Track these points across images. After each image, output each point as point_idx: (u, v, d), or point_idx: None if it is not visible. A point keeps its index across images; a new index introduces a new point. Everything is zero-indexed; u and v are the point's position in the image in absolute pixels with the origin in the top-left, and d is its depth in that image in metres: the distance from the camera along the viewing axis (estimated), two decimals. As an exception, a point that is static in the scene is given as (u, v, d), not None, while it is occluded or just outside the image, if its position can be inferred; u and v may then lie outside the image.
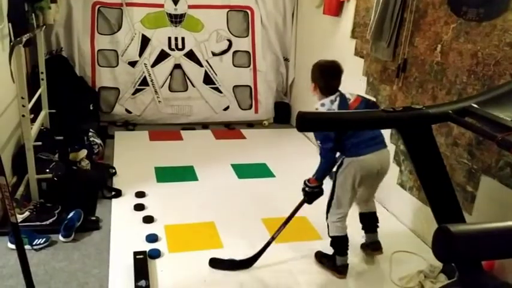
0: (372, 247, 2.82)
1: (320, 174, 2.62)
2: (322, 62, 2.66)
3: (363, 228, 2.86)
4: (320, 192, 2.64)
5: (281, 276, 2.66)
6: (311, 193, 2.63)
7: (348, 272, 2.67)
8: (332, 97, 2.54)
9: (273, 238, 2.72)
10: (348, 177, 2.55)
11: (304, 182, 2.67)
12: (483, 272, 1.59)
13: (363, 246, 2.88)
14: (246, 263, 2.69)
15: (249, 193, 3.66)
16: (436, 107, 1.65)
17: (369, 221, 2.84)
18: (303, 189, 2.67)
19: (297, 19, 5.36)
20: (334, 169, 2.64)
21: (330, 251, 2.72)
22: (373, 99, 2.81)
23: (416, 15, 3.12)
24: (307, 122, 1.62)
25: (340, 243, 2.67)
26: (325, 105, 2.53)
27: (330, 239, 2.70)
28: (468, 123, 1.57)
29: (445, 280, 2.55)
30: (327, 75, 2.58)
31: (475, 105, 1.60)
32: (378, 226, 2.84)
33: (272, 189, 3.78)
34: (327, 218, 2.68)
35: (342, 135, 2.52)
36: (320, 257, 2.80)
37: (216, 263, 2.68)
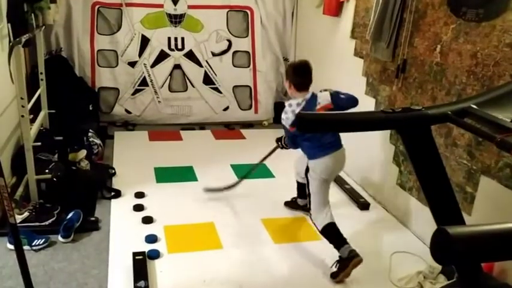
0: (306, 209, 3.07)
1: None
2: (295, 62, 3.01)
3: (297, 194, 3.42)
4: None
5: (281, 276, 2.66)
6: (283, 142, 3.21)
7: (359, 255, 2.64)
8: (299, 100, 2.76)
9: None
10: (315, 179, 2.81)
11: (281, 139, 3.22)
12: (482, 273, 1.59)
13: (291, 205, 3.46)
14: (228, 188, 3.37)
15: (248, 193, 3.65)
16: (435, 108, 1.65)
17: (303, 189, 3.12)
18: (278, 142, 3.28)
19: (297, 19, 5.36)
20: (302, 177, 3.04)
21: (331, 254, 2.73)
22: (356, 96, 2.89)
23: (415, 15, 3.12)
24: (307, 123, 1.62)
25: (332, 230, 2.74)
26: (292, 105, 2.77)
27: (324, 238, 2.76)
28: (467, 124, 1.57)
29: (445, 281, 2.55)
30: (298, 74, 2.82)
31: (475, 106, 1.59)
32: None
33: (272, 189, 3.78)
34: (311, 217, 2.86)
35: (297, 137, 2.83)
36: (335, 265, 2.70)
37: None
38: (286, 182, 3.88)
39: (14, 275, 2.43)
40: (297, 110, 2.72)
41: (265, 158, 3.49)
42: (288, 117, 2.74)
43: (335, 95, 2.78)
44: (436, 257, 0.92)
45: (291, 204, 3.47)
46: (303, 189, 3.16)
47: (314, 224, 2.84)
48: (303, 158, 2.99)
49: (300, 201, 3.37)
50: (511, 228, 0.93)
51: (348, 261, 2.61)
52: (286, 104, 2.82)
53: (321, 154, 2.77)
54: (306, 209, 3.04)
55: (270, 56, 5.49)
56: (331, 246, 2.75)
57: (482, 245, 0.91)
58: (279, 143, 3.27)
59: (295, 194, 3.49)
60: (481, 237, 0.92)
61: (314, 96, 2.77)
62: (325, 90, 2.83)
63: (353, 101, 2.81)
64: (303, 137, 2.81)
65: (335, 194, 2.66)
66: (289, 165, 4.19)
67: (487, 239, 0.92)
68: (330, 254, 2.78)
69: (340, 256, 2.65)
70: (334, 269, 2.66)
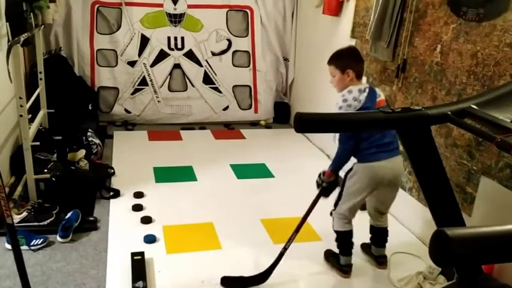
0: (378, 261, 2.78)
1: (336, 165, 2.54)
2: (348, 47, 2.62)
3: (371, 239, 2.82)
4: (336, 183, 2.55)
5: (280, 276, 2.64)
6: (327, 187, 2.54)
7: (352, 272, 2.66)
8: (361, 86, 2.47)
9: (285, 249, 2.56)
10: (356, 183, 2.52)
11: (319, 175, 2.58)
12: (482, 274, 1.58)
13: (365, 249, 2.88)
14: (259, 279, 2.52)
15: (248, 193, 3.64)
16: (435, 108, 1.64)
17: (379, 236, 2.78)
18: (318, 184, 2.57)
19: (297, 19, 5.35)
20: (343, 174, 2.59)
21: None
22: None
23: (416, 15, 3.11)
24: (305, 123, 1.61)
25: (344, 239, 2.64)
26: (353, 92, 2.45)
27: (334, 235, 2.68)
28: (467, 124, 1.56)
29: (444, 282, 2.54)
30: (359, 59, 2.56)
31: (475, 106, 1.59)
32: (387, 241, 2.78)
33: (271, 189, 3.77)
34: (331, 213, 2.64)
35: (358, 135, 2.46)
36: (328, 255, 2.79)
37: (228, 282, 2.51)
38: (286, 182, 3.88)
39: (12, 275, 2.42)
40: (361, 97, 2.42)
41: (308, 213, 2.63)
42: (349, 104, 2.43)
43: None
44: (435, 259, 0.91)
45: (365, 248, 2.90)
46: (380, 235, 2.76)
47: (332, 219, 2.65)
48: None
49: (375, 250, 2.80)
50: (510, 230, 0.92)
51: (339, 267, 2.67)
52: (344, 92, 2.46)
53: (376, 156, 2.44)
54: (380, 261, 2.76)
55: (269, 55, 5.48)
56: (331, 246, 2.75)
57: (481, 248, 0.90)
58: (320, 186, 2.58)
59: (295, 194, 3.47)
60: (481, 240, 0.91)
61: (371, 87, 2.53)
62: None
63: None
64: (360, 140, 2.46)
65: (334, 193, 2.64)
66: (290, 165, 4.20)
67: (486, 242, 0.91)
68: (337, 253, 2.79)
69: (338, 257, 2.67)
70: (332, 253, 2.71)
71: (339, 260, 2.68)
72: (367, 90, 2.47)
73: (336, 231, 2.66)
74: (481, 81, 2.57)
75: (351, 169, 2.57)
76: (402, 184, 3.31)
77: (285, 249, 2.56)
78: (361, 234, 2.76)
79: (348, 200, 2.57)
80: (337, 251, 2.71)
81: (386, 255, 2.80)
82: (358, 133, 2.43)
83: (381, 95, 2.56)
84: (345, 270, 2.66)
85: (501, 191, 2.43)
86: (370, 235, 2.81)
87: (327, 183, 2.54)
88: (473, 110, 1.57)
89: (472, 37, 2.64)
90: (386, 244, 2.78)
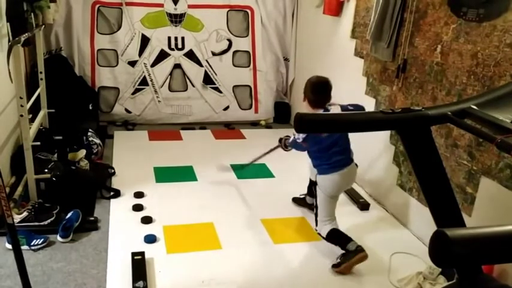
0: (312, 208, 3.06)
1: (293, 146, 2.98)
2: (313, 78, 2.87)
3: (308, 190, 3.33)
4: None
5: (280, 277, 2.65)
6: (284, 146, 3.12)
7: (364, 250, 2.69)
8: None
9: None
10: (322, 193, 2.80)
11: (285, 138, 3.10)
12: (482, 274, 1.58)
13: (297, 201, 3.44)
14: None
15: (248, 193, 3.65)
16: (435, 108, 1.64)
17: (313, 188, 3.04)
18: (280, 140, 3.17)
19: (297, 19, 5.35)
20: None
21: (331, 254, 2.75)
22: (361, 104, 2.89)
23: (416, 15, 3.11)
24: (306, 124, 1.61)
25: (336, 236, 2.76)
26: None
27: (328, 243, 2.78)
28: (467, 124, 1.56)
29: (444, 282, 2.54)
30: (315, 91, 2.79)
31: (475, 107, 1.58)
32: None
33: (272, 189, 3.77)
34: (316, 228, 2.87)
35: (309, 151, 2.85)
36: (340, 257, 2.73)
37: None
38: (287, 182, 3.88)
39: (13, 275, 2.42)
40: None
41: (264, 155, 3.56)
42: (298, 137, 2.77)
43: (344, 109, 2.76)
44: (435, 259, 0.91)
45: (298, 201, 3.45)
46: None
47: (319, 234, 2.85)
48: None
49: (309, 199, 3.33)
50: (510, 230, 0.92)
51: (354, 253, 2.66)
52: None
53: (329, 171, 2.76)
54: (312, 207, 3.03)
55: (270, 55, 5.48)
56: (331, 246, 2.75)
57: (481, 248, 0.90)
58: (281, 142, 3.21)
59: (295, 194, 3.48)
60: (481, 240, 0.91)
61: (326, 111, 2.74)
62: (333, 104, 2.80)
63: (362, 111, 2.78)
64: (312, 153, 2.84)
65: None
66: (290, 165, 4.19)
67: (486, 242, 0.91)
68: (330, 254, 2.79)
69: (346, 249, 2.68)
70: (338, 261, 2.71)
71: (348, 252, 2.67)
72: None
73: (326, 238, 2.79)
74: (481, 81, 2.57)
75: (315, 182, 2.86)
76: (403, 184, 3.32)
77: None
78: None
79: (323, 208, 2.81)
80: (334, 250, 2.74)
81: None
82: (312, 147, 2.81)
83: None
84: (359, 250, 2.65)
85: (501, 192, 2.43)
86: (307, 188, 3.31)
87: (286, 147, 3.11)
88: (473, 111, 1.57)
89: (472, 37, 2.64)
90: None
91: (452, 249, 0.87)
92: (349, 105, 2.81)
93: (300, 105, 5.25)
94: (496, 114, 1.51)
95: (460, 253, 0.88)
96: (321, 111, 2.74)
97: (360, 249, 2.66)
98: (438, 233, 0.89)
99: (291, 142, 2.97)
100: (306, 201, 3.38)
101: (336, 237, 2.76)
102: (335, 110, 2.76)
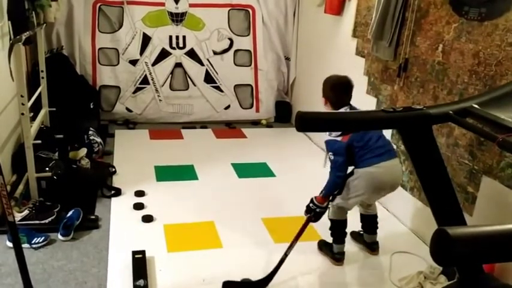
0: (371, 248, 2.88)
1: (328, 191, 2.61)
2: (333, 77, 2.70)
3: (362, 227, 2.92)
4: (327, 208, 2.66)
5: (280, 276, 2.64)
6: (319, 212, 2.62)
7: (344, 259, 2.74)
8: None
9: (286, 255, 2.56)
10: (358, 189, 2.58)
11: (312, 200, 2.64)
12: (483, 273, 1.57)
13: (356, 237, 2.96)
14: (260, 283, 2.51)
15: (249, 192, 3.64)
16: (437, 108, 1.64)
17: (369, 223, 2.88)
18: (309, 208, 2.64)
19: (298, 18, 5.35)
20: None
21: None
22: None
23: (417, 14, 3.11)
24: (307, 122, 1.61)
25: (338, 227, 2.73)
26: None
27: (329, 228, 2.76)
28: (469, 123, 1.56)
29: (445, 281, 2.53)
30: (338, 91, 2.64)
31: (476, 106, 1.58)
32: (377, 227, 2.89)
33: (272, 188, 3.77)
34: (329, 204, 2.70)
35: (353, 148, 2.52)
36: (321, 245, 2.86)
37: (230, 285, 2.49)
38: (287, 181, 3.88)
39: (13, 273, 2.42)
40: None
41: (297, 238, 2.65)
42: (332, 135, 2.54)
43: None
44: (436, 258, 0.91)
45: (355, 237, 2.98)
46: (370, 222, 2.87)
47: (329, 209, 2.69)
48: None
49: (367, 237, 2.90)
50: (511, 229, 0.91)
51: (332, 255, 2.74)
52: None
53: (374, 161, 2.50)
54: (373, 248, 2.86)
55: (271, 54, 5.48)
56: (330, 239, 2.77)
57: (482, 247, 0.90)
58: (310, 213, 2.64)
59: (296, 193, 3.47)
60: (482, 239, 0.91)
61: (353, 108, 2.63)
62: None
63: None
64: (356, 149, 2.52)
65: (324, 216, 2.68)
66: (290, 165, 4.20)
67: (487, 241, 0.91)
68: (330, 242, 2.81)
69: (331, 246, 2.74)
70: (325, 243, 2.79)
71: (331, 248, 2.75)
72: None
73: (330, 220, 2.74)
74: (482, 80, 2.57)
75: (352, 173, 2.62)
76: (404, 183, 3.31)
77: (285, 255, 2.57)
78: (352, 223, 2.82)
79: (347, 199, 2.65)
80: (330, 240, 2.77)
81: (378, 241, 2.88)
82: (350, 152, 2.52)
83: None
84: (338, 257, 2.73)
85: (503, 191, 2.43)
86: (361, 223, 2.89)
87: (320, 209, 2.61)
88: (474, 110, 1.57)
89: (474, 36, 2.63)
90: (378, 231, 2.89)
91: (453, 247, 0.87)
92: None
93: (301, 105, 5.27)
94: (497, 113, 1.51)
95: (462, 252, 0.88)
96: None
97: (338, 257, 2.72)
98: (440, 232, 0.89)
99: (331, 146, 2.56)
100: (365, 240, 2.92)
101: (338, 231, 2.73)
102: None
